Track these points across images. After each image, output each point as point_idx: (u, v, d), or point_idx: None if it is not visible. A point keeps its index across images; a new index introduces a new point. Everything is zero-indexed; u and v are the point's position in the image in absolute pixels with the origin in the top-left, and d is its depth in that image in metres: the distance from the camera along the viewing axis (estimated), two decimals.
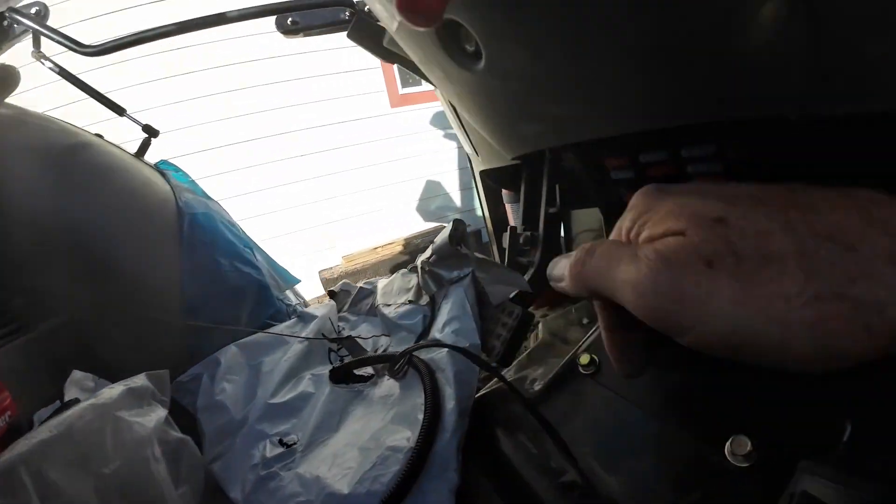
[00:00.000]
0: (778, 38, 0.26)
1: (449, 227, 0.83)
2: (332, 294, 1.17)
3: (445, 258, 0.85)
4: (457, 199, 3.90)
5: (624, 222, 0.32)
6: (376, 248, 3.27)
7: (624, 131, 0.43)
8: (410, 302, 0.90)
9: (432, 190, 3.67)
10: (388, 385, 0.77)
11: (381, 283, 1.08)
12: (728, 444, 0.42)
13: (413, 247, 3.06)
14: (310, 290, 2.85)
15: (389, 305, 0.97)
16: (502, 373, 0.67)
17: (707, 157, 0.42)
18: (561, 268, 0.34)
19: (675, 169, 0.46)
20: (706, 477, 0.43)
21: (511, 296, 0.77)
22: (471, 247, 0.81)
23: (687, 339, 0.25)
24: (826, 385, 0.40)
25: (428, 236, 3.39)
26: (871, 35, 0.23)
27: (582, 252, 0.31)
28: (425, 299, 0.87)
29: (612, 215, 0.54)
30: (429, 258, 0.87)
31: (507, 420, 0.63)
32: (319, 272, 3.30)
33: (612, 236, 0.33)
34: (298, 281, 1.39)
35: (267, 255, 1.36)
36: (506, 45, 0.37)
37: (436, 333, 0.77)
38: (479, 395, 0.69)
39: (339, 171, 3.50)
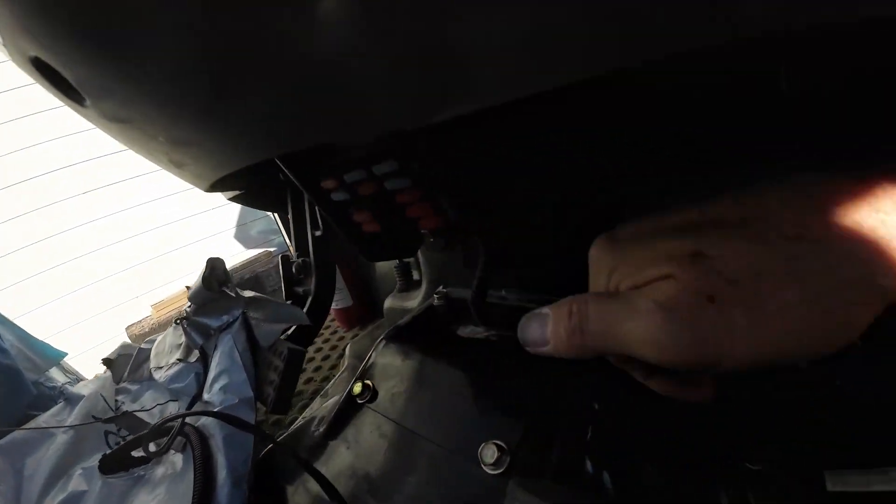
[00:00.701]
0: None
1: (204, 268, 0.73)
2: (107, 362, 0.97)
3: (208, 304, 0.75)
4: None
5: (598, 280, 0.30)
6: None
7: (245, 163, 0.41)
8: (180, 360, 0.78)
9: (251, 213, 3.35)
10: (171, 461, 0.66)
11: (158, 340, 0.93)
12: (479, 453, 0.43)
13: (237, 279, 2.76)
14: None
15: (161, 368, 0.83)
16: (287, 415, 0.60)
17: (394, 172, 0.41)
18: (539, 332, 0.31)
19: (377, 187, 0.45)
20: (468, 489, 0.43)
21: (289, 332, 0.71)
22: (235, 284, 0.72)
23: (717, 371, 0.24)
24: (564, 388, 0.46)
25: (251, 265, 3.11)
26: None
27: (574, 318, 0.28)
28: (196, 355, 0.76)
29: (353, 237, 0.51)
30: (189, 307, 0.76)
31: (293, 475, 0.58)
32: (127, 329, 2.81)
33: (591, 290, 0.32)
34: (64, 355, 1.13)
35: (20, 331, 1.08)
36: (95, 90, 0.32)
37: (205, 393, 0.68)
38: (265, 451, 0.62)
39: (132, 206, 3.00)
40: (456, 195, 0.38)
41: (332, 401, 0.62)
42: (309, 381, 0.88)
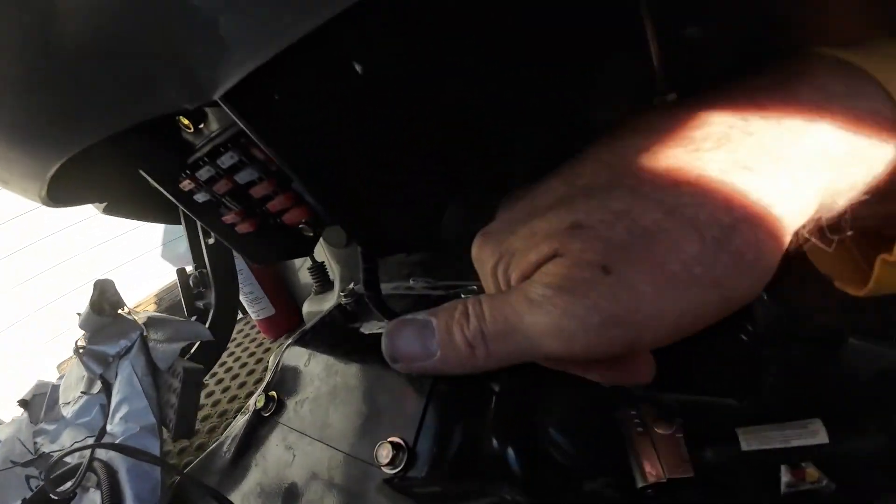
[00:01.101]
0: None
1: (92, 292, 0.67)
2: (22, 403, 0.89)
3: (102, 330, 0.69)
4: None
5: (486, 281, 0.27)
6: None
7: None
8: (84, 393, 0.72)
9: (177, 230, 3.10)
10: (91, 499, 0.61)
11: (66, 374, 0.86)
12: (374, 454, 0.41)
13: (169, 301, 2.58)
14: None
15: (69, 403, 0.77)
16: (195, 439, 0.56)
17: (239, 163, 0.38)
18: (417, 344, 0.27)
19: (231, 183, 0.41)
20: (367, 492, 0.41)
21: (192, 349, 0.66)
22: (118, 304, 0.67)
23: (641, 347, 0.21)
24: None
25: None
26: None
27: (471, 320, 0.24)
28: (98, 385, 0.70)
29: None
30: (84, 336, 0.70)
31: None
32: (58, 367, 2.60)
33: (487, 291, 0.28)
34: None
35: None
36: None
37: (109, 424, 0.63)
38: (173, 483, 0.58)
39: (45, 236, 2.76)
40: (308, 179, 0.35)
41: (242, 419, 0.58)
42: (233, 398, 0.83)
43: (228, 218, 0.48)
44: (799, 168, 0.20)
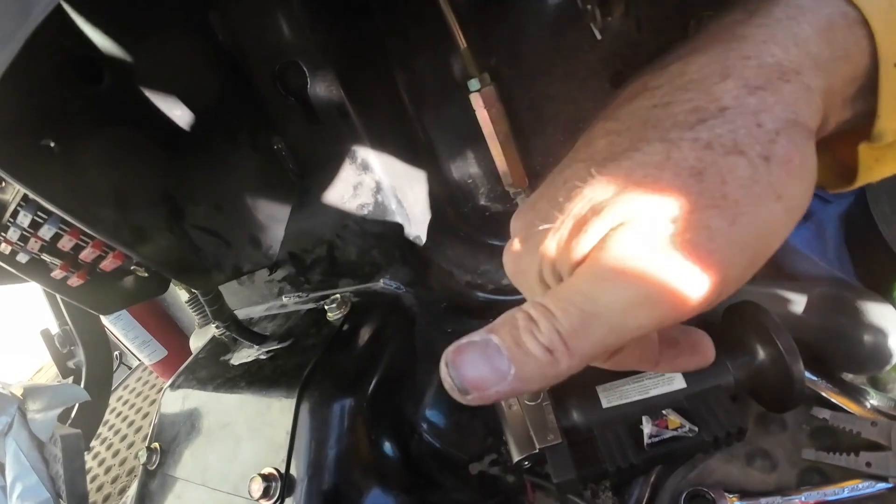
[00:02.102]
0: None
1: None
2: None
3: None
4: None
5: (528, 280, 0.25)
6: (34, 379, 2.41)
7: None
8: None
9: None
10: None
11: None
12: (248, 489, 0.40)
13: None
14: None
15: None
16: None
17: (37, 218, 0.35)
18: (487, 367, 0.21)
19: (40, 238, 0.38)
20: None
21: (73, 413, 0.62)
22: None
23: (730, 288, 0.20)
24: None
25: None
26: None
27: (542, 326, 0.20)
28: None
29: None
30: None
31: None
32: None
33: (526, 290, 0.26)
34: None
35: None
36: None
37: None
38: None
39: None
40: (92, 223, 0.32)
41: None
42: (124, 461, 0.78)
43: (56, 273, 0.44)
44: (801, 76, 0.21)
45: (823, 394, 0.43)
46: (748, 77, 0.21)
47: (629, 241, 0.20)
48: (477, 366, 0.21)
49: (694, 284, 0.19)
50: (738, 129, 0.20)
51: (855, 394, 0.43)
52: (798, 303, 0.47)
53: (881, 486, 0.37)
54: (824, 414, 0.41)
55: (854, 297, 0.45)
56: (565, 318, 0.20)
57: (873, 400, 0.42)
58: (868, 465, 0.38)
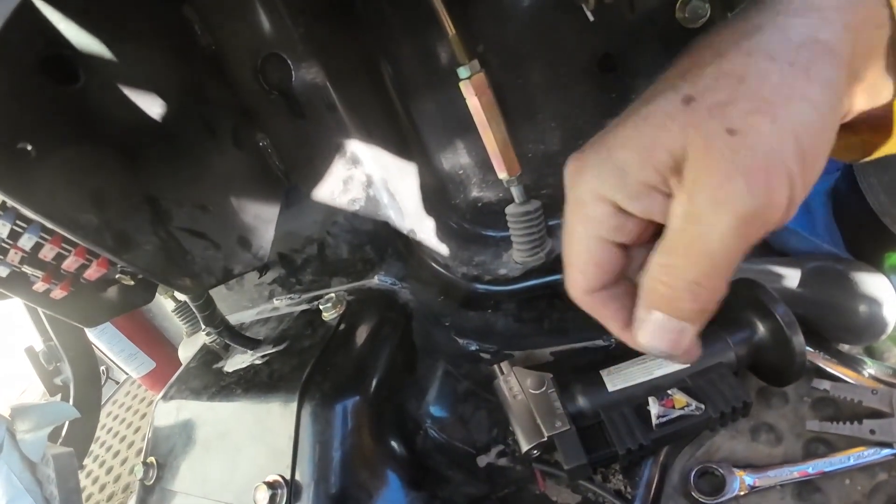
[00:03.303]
0: None
1: None
2: None
3: None
4: None
5: (587, 201, 0.24)
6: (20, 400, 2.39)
7: None
8: None
9: None
10: None
11: None
12: (254, 498, 0.39)
13: None
14: None
15: None
16: None
17: (17, 227, 0.33)
18: (669, 334, 0.24)
19: (20, 249, 0.36)
20: None
21: (64, 431, 0.60)
22: None
23: (798, 188, 0.21)
24: None
25: None
26: None
27: (677, 281, 0.22)
28: None
29: None
30: None
31: None
32: None
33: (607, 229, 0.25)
34: None
35: None
36: None
37: None
38: None
39: None
40: (81, 231, 0.31)
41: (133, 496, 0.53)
42: (118, 478, 0.75)
43: (39, 286, 0.42)
44: (822, 11, 0.23)
45: (822, 365, 0.43)
46: (779, 8, 0.23)
47: (702, 168, 0.21)
48: (663, 338, 0.24)
49: (767, 192, 0.20)
50: (771, 40, 0.22)
51: (853, 364, 0.43)
52: (792, 278, 0.48)
53: (887, 451, 0.37)
54: (825, 385, 0.42)
55: (847, 270, 0.45)
56: (695, 268, 0.22)
57: (871, 369, 0.43)
58: (872, 432, 0.38)
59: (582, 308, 0.28)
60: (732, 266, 0.22)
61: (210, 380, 0.48)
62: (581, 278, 0.27)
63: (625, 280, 0.27)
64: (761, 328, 0.40)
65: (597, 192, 0.24)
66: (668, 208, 0.22)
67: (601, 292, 0.27)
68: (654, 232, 0.25)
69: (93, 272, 0.38)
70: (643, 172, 0.22)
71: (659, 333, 0.24)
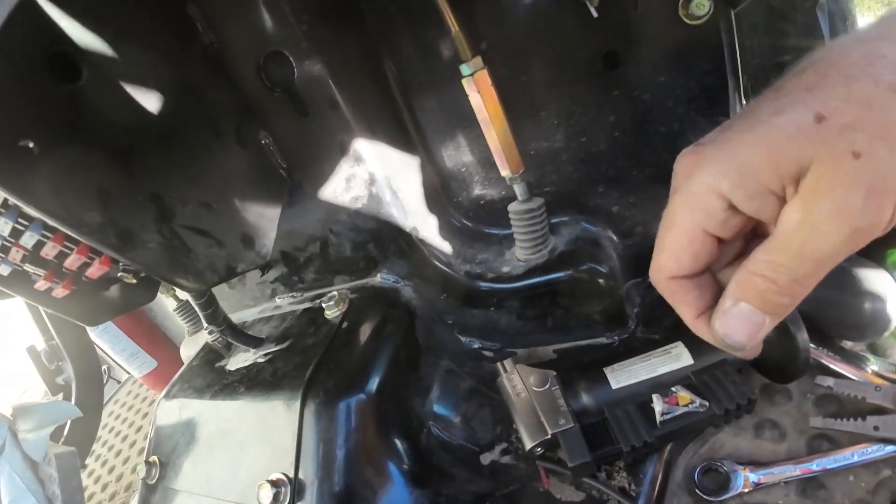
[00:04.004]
0: None
1: None
2: None
3: None
4: None
5: (695, 194, 0.26)
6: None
7: None
8: None
9: None
10: None
11: None
12: (257, 496, 0.39)
13: None
14: None
15: None
16: None
17: (19, 225, 0.33)
18: (748, 324, 0.26)
19: (22, 247, 0.36)
20: None
21: (66, 430, 0.60)
22: None
23: None
24: None
25: None
26: None
27: (780, 278, 0.24)
28: None
29: None
30: None
31: None
32: None
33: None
34: None
35: None
36: None
37: None
38: None
39: None
40: (84, 228, 0.31)
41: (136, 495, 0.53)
42: (120, 477, 0.75)
43: (40, 285, 0.42)
44: None
45: (826, 362, 0.43)
46: None
47: (826, 180, 0.22)
48: (742, 328, 0.26)
49: (878, 213, 0.22)
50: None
51: (856, 361, 0.43)
52: None
53: (890, 448, 0.37)
54: (828, 382, 0.42)
55: (850, 266, 0.45)
56: (802, 268, 0.24)
57: (874, 365, 0.43)
58: (876, 428, 0.38)
59: (660, 292, 0.30)
60: (829, 270, 0.24)
61: (213, 378, 0.48)
62: (673, 264, 0.28)
63: (707, 272, 0.29)
64: None
65: (713, 187, 0.26)
66: (778, 212, 0.24)
67: (685, 280, 0.29)
68: (748, 232, 0.28)
69: (95, 270, 0.38)
70: (768, 177, 0.24)
71: (739, 323, 0.26)
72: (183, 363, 0.80)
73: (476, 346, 0.51)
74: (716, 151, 0.26)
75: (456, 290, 0.52)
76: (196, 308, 0.42)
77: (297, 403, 0.39)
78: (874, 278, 0.44)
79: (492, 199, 0.52)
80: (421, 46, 0.44)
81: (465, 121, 0.46)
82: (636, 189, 0.47)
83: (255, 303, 0.58)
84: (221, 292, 0.59)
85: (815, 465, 0.38)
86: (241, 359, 0.48)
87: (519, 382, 0.42)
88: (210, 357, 0.53)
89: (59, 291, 0.42)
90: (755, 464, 0.40)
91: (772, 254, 0.25)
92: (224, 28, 0.41)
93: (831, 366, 0.43)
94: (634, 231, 0.48)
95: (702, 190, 0.26)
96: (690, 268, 0.28)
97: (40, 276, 0.42)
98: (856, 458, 0.38)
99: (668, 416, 0.39)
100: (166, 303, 0.69)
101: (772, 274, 0.25)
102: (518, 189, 0.45)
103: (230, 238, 0.41)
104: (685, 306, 0.29)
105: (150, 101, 0.37)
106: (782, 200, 0.24)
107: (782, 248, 0.24)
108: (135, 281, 0.42)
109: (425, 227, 0.50)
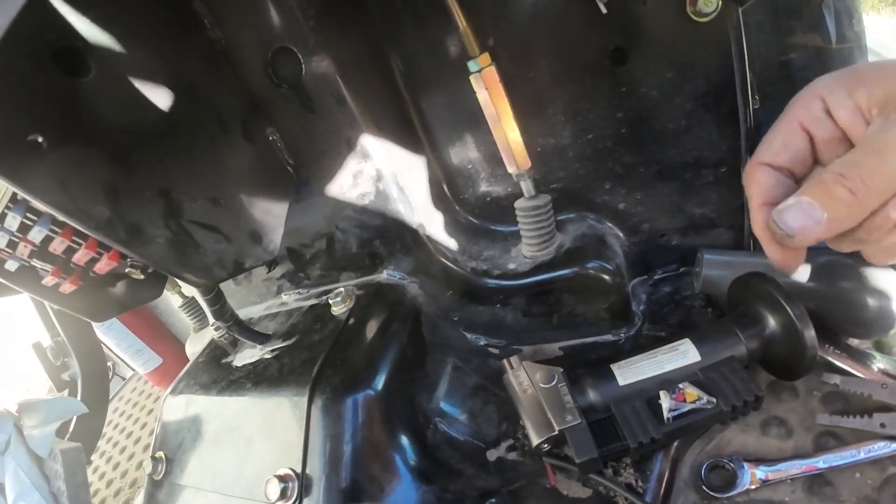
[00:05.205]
0: None
1: None
2: None
3: None
4: None
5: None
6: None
7: None
8: None
9: None
10: None
11: None
12: (265, 492, 0.39)
13: None
14: None
15: None
16: None
17: (27, 220, 0.33)
18: (807, 215, 0.27)
19: (30, 242, 0.36)
20: None
21: (72, 426, 0.60)
22: None
23: None
24: None
25: None
26: None
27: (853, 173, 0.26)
28: None
29: None
30: None
31: None
32: None
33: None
34: None
35: None
36: None
37: None
38: None
39: None
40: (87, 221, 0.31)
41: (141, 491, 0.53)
42: (125, 473, 0.75)
43: (48, 280, 0.42)
44: None
45: (832, 360, 0.43)
46: None
47: None
48: (797, 218, 0.28)
49: None
50: None
51: (862, 358, 0.43)
52: (801, 272, 0.48)
53: None
54: (834, 379, 0.42)
55: (856, 264, 0.45)
56: (873, 174, 0.25)
57: (880, 363, 0.43)
58: (882, 426, 0.38)
59: (744, 178, 0.31)
60: (883, 200, 0.26)
61: (219, 374, 0.48)
62: (765, 150, 0.31)
63: (791, 178, 0.31)
64: (772, 322, 0.40)
65: (816, 91, 0.29)
66: (863, 129, 0.27)
67: (768, 168, 0.30)
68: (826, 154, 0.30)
69: (103, 265, 0.38)
70: (869, 94, 0.27)
71: (797, 213, 0.28)
72: (188, 360, 0.81)
73: (482, 342, 0.51)
74: (843, 71, 0.29)
75: (462, 286, 0.52)
76: (203, 304, 0.42)
77: (305, 399, 0.39)
78: (880, 276, 0.44)
79: (498, 196, 0.52)
80: (428, 43, 0.44)
81: (472, 117, 0.45)
82: (643, 186, 0.47)
83: (260, 299, 0.58)
84: (227, 289, 0.59)
85: (822, 462, 0.38)
86: (248, 355, 0.49)
87: (525, 379, 0.42)
88: (216, 353, 0.53)
89: (67, 287, 0.42)
90: (762, 461, 0.40)
91: (847, 156, 0.27)
92: (231, 24, 0.41)
93: (838, 363, 0.43)
94: (641, 228, 0.48)
95: (807, 92, 0.30)
96: (778, 153, 0.30)
97: (48, 271, 0.42)
98: (862, 456, 0.38)
99: (676, 413, 0.39)
100: (172, 300, 0.69)
101: (842, 169, 0.26)
102: (525, 186, 0.45)
103: (238, 233, 0.41)
104: (757, 189, 0.30)
105: (157, 96, 0.37)
106: (867, 122, 0.27)
107: (858, 150, 0.26)
108: (142, 277, 0.42)
109: (431, 223, 0.50)
